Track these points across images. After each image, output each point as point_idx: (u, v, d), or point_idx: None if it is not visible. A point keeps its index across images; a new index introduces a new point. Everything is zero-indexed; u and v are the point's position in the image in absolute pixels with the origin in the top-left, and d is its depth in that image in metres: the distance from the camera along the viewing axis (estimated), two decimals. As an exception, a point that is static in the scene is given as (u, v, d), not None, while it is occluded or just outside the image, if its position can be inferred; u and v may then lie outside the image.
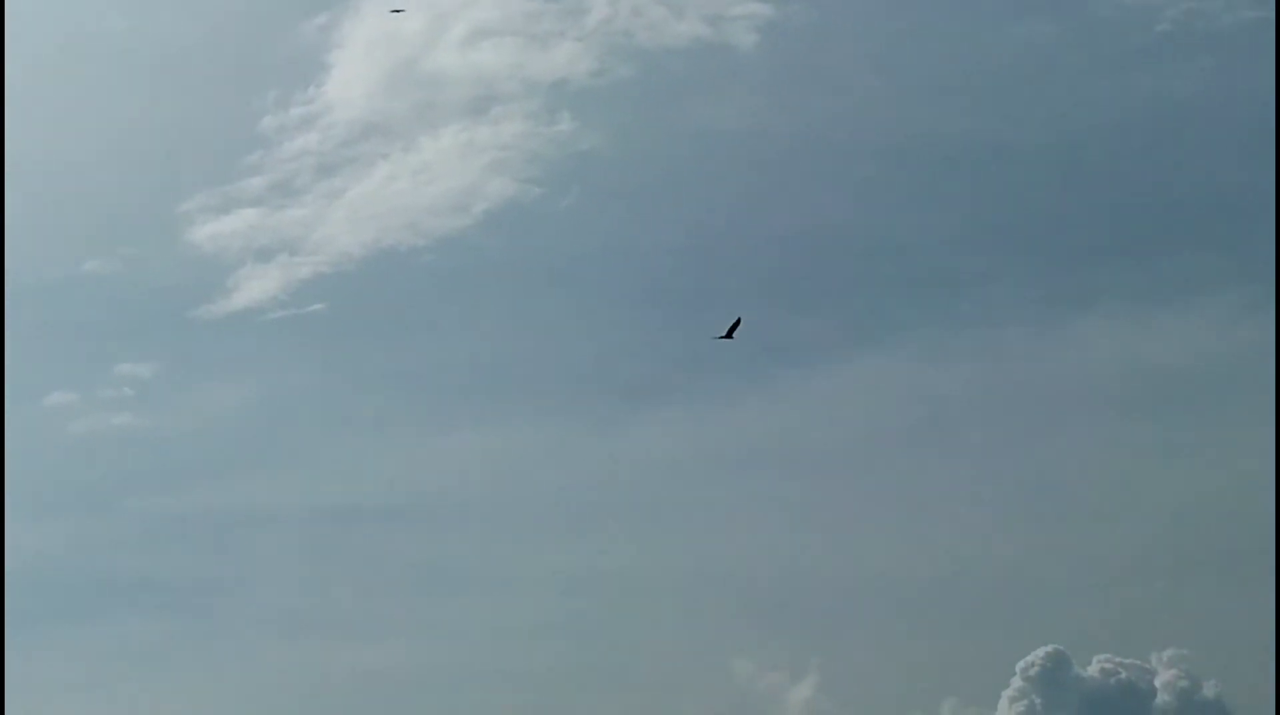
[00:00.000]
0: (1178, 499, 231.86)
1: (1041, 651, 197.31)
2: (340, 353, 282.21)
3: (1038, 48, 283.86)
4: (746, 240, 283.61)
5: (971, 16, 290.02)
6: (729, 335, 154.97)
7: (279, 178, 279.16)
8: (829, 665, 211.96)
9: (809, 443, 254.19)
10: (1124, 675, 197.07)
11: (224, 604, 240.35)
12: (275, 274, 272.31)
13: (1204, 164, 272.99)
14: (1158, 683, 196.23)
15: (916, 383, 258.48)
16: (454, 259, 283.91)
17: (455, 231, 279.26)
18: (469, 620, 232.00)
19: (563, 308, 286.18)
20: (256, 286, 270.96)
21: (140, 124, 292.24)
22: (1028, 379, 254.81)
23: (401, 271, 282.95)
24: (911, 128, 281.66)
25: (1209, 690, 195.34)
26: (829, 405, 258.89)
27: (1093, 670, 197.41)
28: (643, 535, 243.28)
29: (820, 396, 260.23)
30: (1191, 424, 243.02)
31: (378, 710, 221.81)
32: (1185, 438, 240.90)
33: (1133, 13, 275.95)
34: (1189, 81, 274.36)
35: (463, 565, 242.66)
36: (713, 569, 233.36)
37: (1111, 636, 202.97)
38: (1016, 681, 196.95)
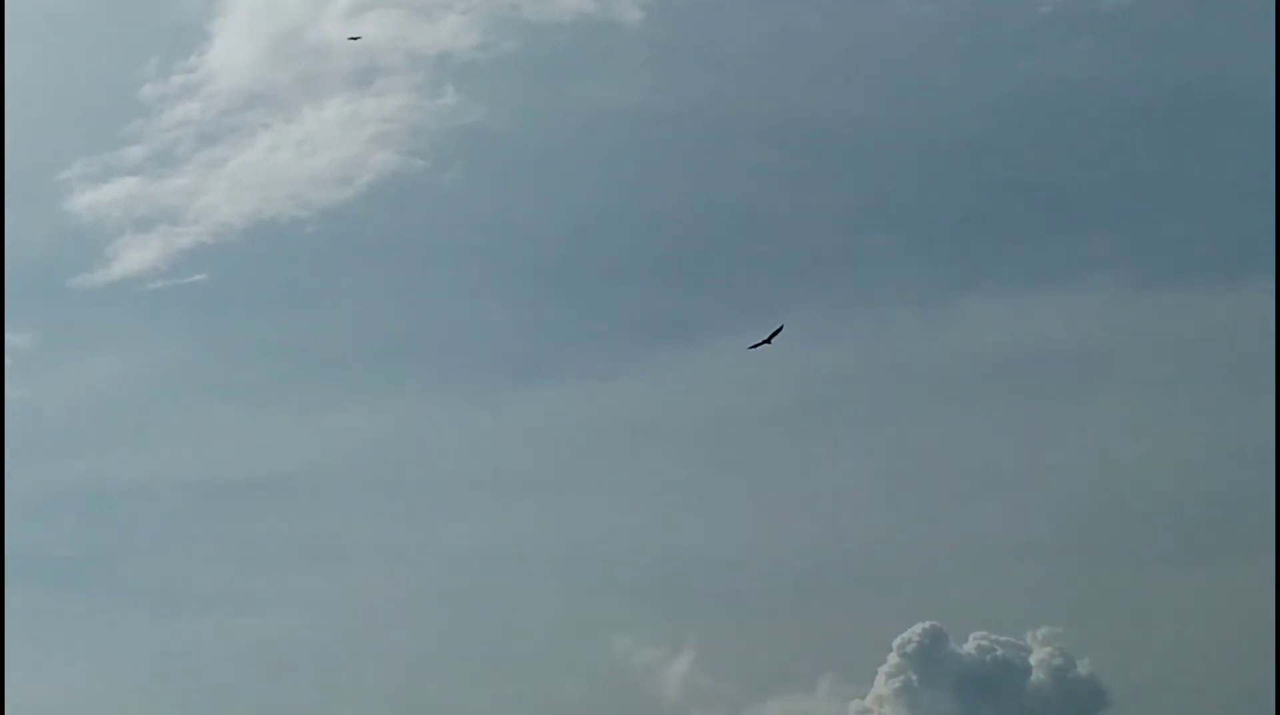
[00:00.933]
0: (1055, 480, 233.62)
1: (918, 628, 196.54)
2: (221, 324, 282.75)
3: (923, 29, 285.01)
4: (630, 218, 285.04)
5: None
6: (768, 341, 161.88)
7: (159, 147, 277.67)
8: (707, 641, 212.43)
9: (691, 420, 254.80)
10: (999, 652, 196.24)
11: (101, 577, 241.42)
12: (155, 244, 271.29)
13: (1086, 147, 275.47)
14: (1032, 660, 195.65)
15: (799, 362, 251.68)
16: (337, 231, 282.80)
17: (338, 204, 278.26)
18: (348, 596, 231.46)
19: (446, 283, 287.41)
20: (136, 256, 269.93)
21: (18, 90, 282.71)
22: (910, 359, 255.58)
23: (283, 243, 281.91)
24: (797, 108, 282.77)
25: (1082, 668, 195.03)
26: (711, 383, 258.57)
27: (969, 647, 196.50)
28: (523, 511, 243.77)
29: (702, 374, 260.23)
30: (1072, 406, 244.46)
31: (256, 685, 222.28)
32: (1065, 419, 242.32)
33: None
34: (1072, 64, 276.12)
35: (343, 540, 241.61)
36: (592, 545, 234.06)
37: (988, 614, 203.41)
38: (893, 658, 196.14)
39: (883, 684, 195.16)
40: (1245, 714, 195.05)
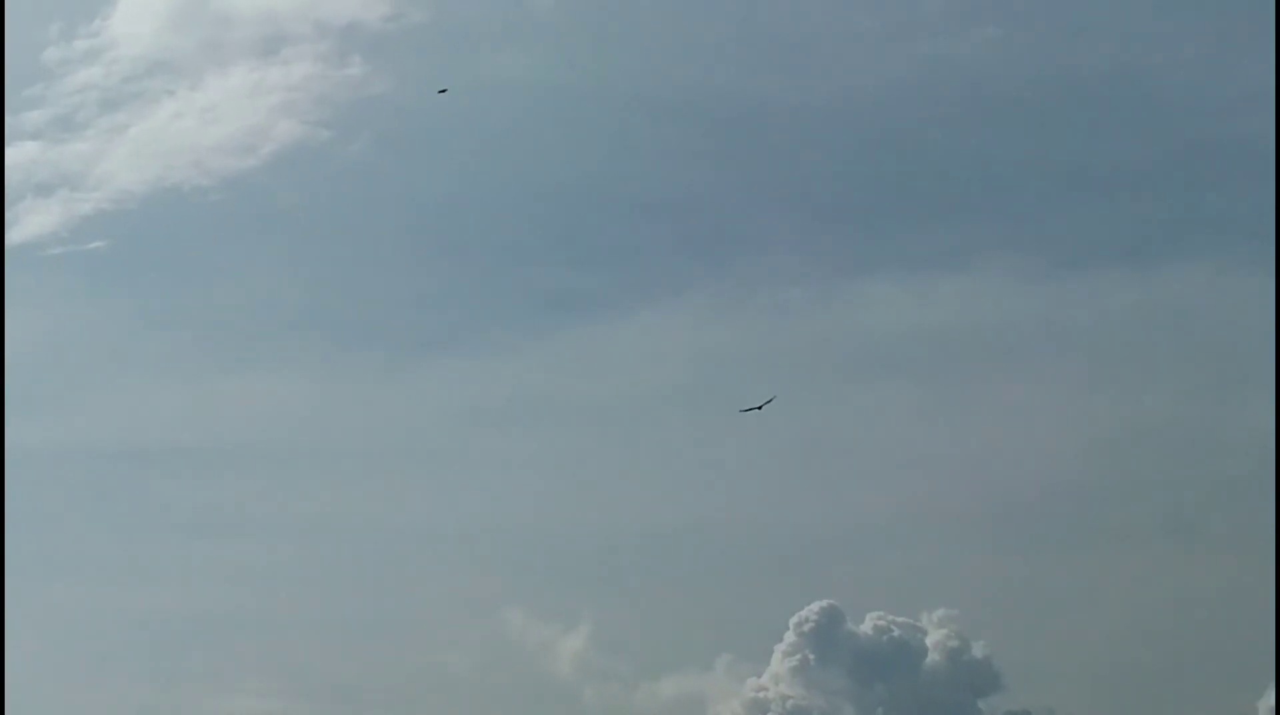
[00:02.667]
0: (951, 461, 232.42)
1: (815, 607, 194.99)
2: (121, 292, 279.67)
3: (829, 10, 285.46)
4: (534, 192, 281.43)
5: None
6: (759, 407, 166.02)
7: (61, 111, 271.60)
8: (602, 618, 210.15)
9: (588, 397, 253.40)
10: (896, 633, 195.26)
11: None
12: (55, 209, 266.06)
13: (986, 132, 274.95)
14: (929, 641, 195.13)
15: (695, 340, 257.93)
16: (240, 200, 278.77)
17: (242, 172, 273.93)
18: (240, 566, 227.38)
19: (348, 255, 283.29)
20: (36, 221, 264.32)
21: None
22: (808, 340, 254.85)
23: (185, 211, 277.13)
24: (701, 86, 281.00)
25: (977, 650, 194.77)
26: (608, 360, 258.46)
27: (866, 627, 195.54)
28: (419, 486, 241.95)
29: (600, 351, 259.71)
30: (965, 387, 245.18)
31: (146, 653, 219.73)
32: (959, 401, 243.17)
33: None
34: (973, 49, 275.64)
35: (236, 511, 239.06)
36: (487, 520, 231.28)
37: (885, 595, 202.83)
38: (790, 636, 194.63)
39: (779, 663, 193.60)
40: (1135, 693, 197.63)
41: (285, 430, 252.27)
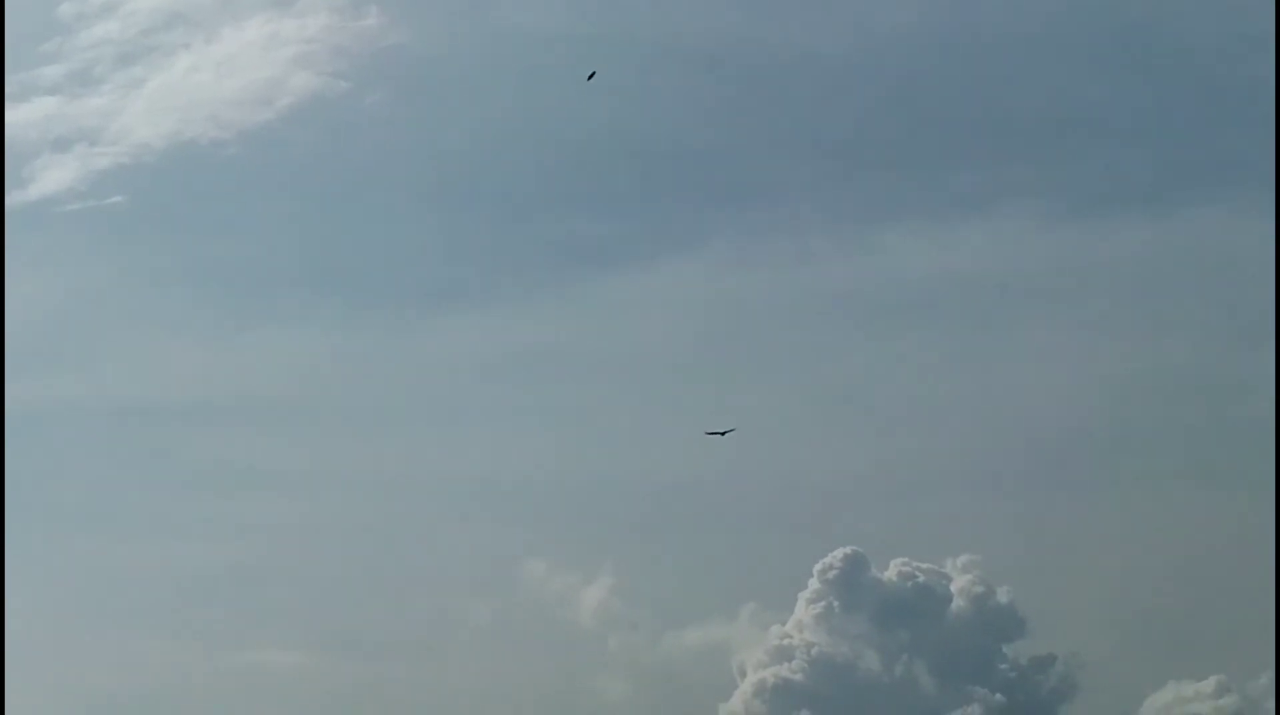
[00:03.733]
0: (974, 407, 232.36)
1: (840, 553, 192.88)
2: (139, 246, 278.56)
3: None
4: (551, 142, 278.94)
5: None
6: (721, 434, 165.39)
7: (77, 66, 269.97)
8: (625, 568, 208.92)
9: (607, 347, 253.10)
10: (921, 579, 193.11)
11: (18, 501, 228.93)
12: (73, 164, 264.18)
13: (1004, 77, 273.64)
14: (953, 587, 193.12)
15: (714, 290, 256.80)
16: (256, 153, 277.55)
17: (258, 125, 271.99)
18: (260, 520, 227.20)
19: (366, 207, 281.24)
20: (53, 177, 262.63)
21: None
22: (830, 288, 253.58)
23: (202, 165, 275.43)
24: (720, 35, 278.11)
25: (1002, 595, 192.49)
26: (629, 310, 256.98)
27: (890, 573, 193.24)
28: (442, 437, 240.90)
29: (621, 301, 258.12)
30: (987, 333, 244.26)
31: (168, 608, 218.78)
32: (981, 346, 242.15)
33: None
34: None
35: (256, 466, 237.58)
36: (509, 471, 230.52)
37: (909, 541, 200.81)
38: (814, 584, 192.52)
39: (804, 610, 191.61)
40: (1158, 636, 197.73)
41: (303, 384, 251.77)
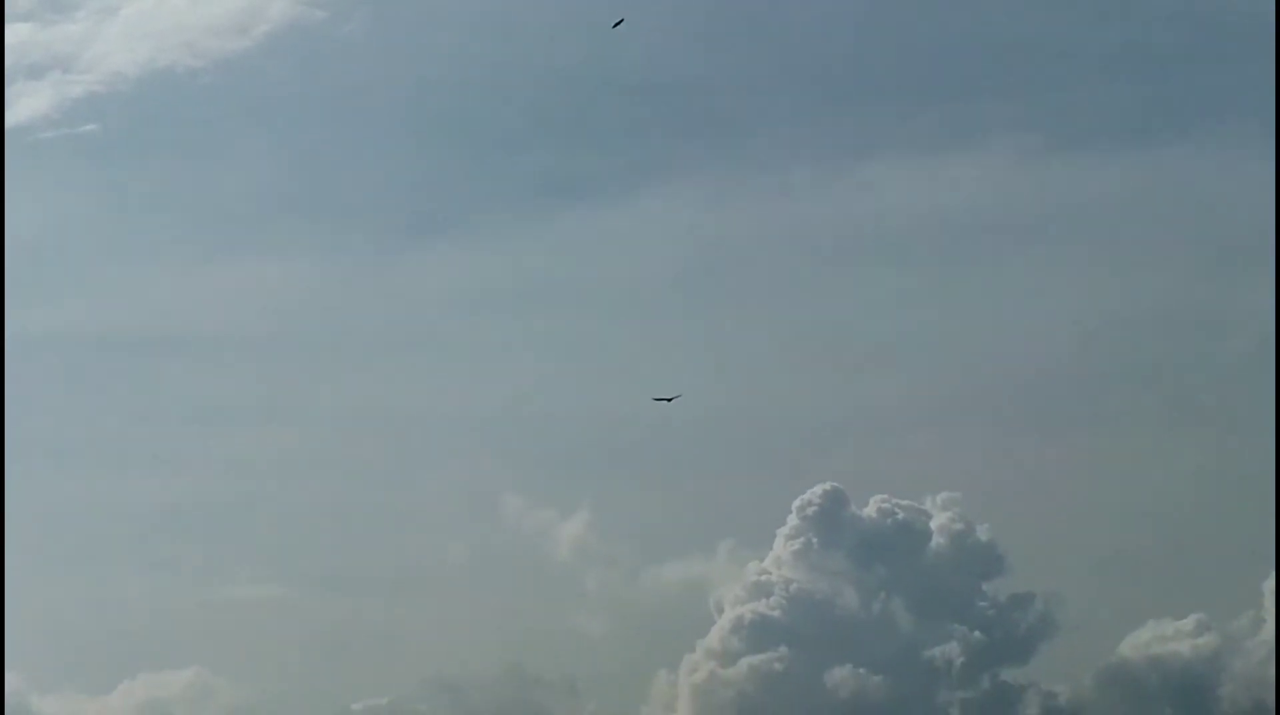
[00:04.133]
0: (955, 345, 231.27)
1: (819, 490, 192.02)
2: (113, 175, 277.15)
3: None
4: (532, 74, 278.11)
5: None
6: (668, 400, 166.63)
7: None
8: (602, 504, 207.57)
9: (586, 281, 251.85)
10: (900, 516, 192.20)
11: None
12: (47, 92, 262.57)
13: (992, 8, 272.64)
14: (933, 525, 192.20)
15: (696, 224, 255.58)
16: (233, 82, 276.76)
17: (235, 54, 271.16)
18: (237, 454, 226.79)
19: (343, 137, 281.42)
20: (27, 104, 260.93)
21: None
22: (811, 224, 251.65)
23: (178, 93, 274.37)
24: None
25: (981, 533, 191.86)
26: (607, 244, 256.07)
27: (870, 511, 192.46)
28: (415, 371, 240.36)
29: (599, 235, 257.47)
30: (969, 270, 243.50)
31: (147, 541, 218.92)
32: (963, 284, 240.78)
33: None
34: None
35: (233, 399, 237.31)
36: (484, 406, 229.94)
37: (888, 478, 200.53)
38: (793, 520, 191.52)
39: (782, 546, 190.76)
40: (1139, 576, 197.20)
41: (280, 316, 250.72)
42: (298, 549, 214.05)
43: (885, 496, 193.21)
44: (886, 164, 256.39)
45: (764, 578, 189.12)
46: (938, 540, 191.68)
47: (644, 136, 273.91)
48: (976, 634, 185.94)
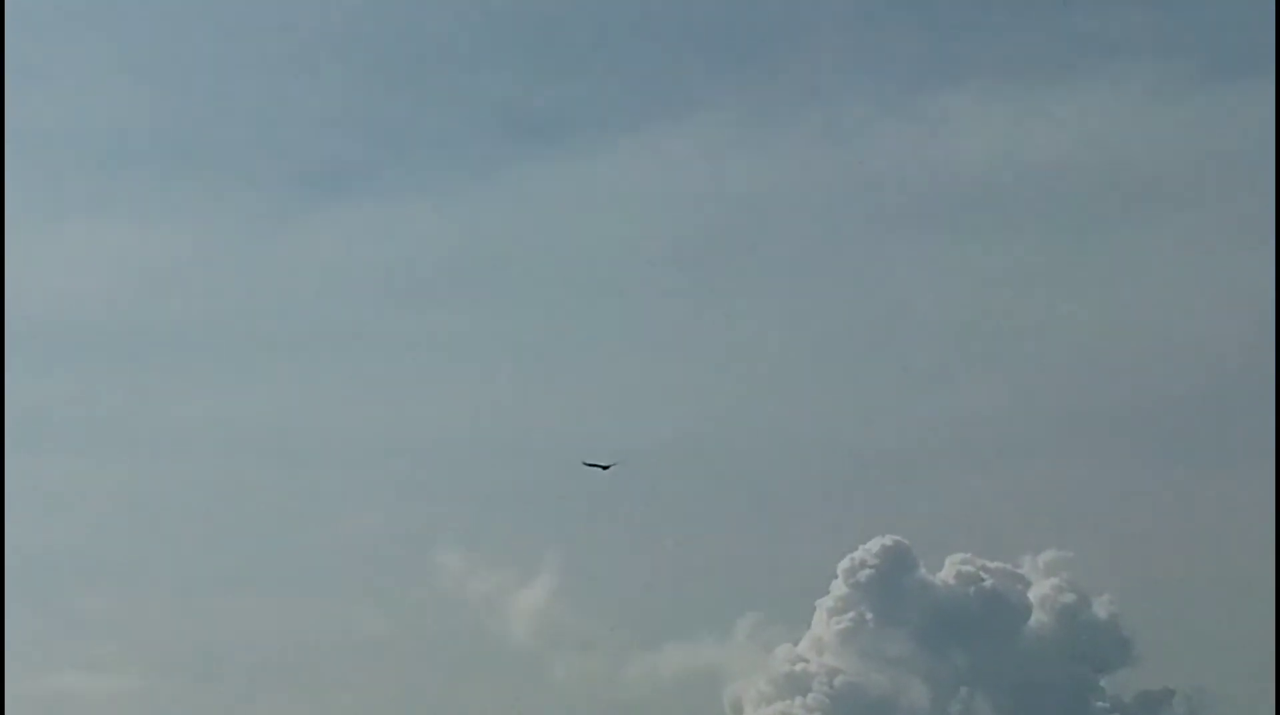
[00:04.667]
0: (1064, 343, 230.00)
1: (875, 546, 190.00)
2: None
3: None
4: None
5: None
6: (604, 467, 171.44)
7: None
8: (572, 564, 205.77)
9: (559, 254, 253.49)
10: (988, 583, 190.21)
11: None
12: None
13: None
14: (1033, 596, 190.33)
15: (707, 177, 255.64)
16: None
17: None
18: (78, 491, 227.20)
19: (249, 63, 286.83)
20: None
21: None
22: (868, 175, 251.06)
23: (47, 13, 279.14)
24: None
25: (1099, 608, 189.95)
26: (588, 204, 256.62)
27: (945, 575, 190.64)
28: (324, 375, 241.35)
29: (577, 192, 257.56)
30: (1082, 241, 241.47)
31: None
32: (1077, 259, 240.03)
33: None
34: None
35: (69, 412, 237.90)
36: (416, 425, 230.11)
37: (972, 530, 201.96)
38: (839, 588, 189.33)
39: (824, 624, 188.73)
40: None
41: (138, 297, 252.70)
42: (149, 623, 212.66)
43: (967, 556, 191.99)
44: (964, 98, 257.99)
45: (799, 667, 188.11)
46: (1039, 616, 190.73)
47: (642, 62, 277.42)
48: None
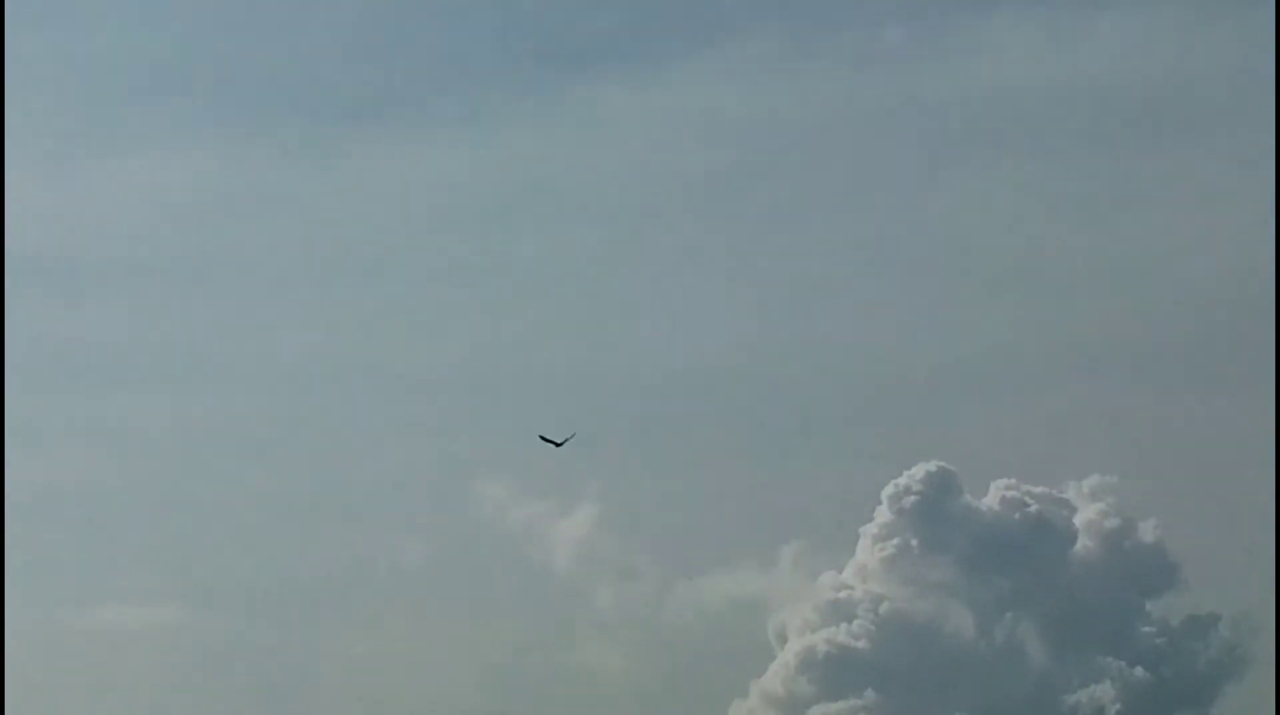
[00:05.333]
0: (1114, 266, 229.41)
1: (920, 472, 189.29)
2: None
3: None
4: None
5: None
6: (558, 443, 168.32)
7: None
8: (614, 493, 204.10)
9: (597, 185, 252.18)
10: (1033, 509, 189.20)
11: None
12: None
13: None
14: (1078, 521, 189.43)
15: (754, 103, 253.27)
16: None
17: None
18: (123, 423, 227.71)
19: None
20: None
21: None
22: (909, 99, 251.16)
23: None
24: None
25: (1145, 533, 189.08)
26: (626, 134, 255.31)
27: (990, 501, 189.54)
28: (360, 309, 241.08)
29: (615, 122, 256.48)
30: (1125, 166, 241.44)
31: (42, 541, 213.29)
32: (1117, 185, 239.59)
33: None
34: None
35: (119, 346, 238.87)
36: (453, 352, 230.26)
37: (1016, 455, 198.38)
38: (883, 514, 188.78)
39: (869, 551, 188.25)
40: None
41: (165, 234, 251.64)
42: (197, 556, 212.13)
43: (1012, 482, 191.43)
44: (1009, 18, 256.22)
45: (844, 595, 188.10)
46: (1085, 542, 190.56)
47: None
48: (1138, 671, 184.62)
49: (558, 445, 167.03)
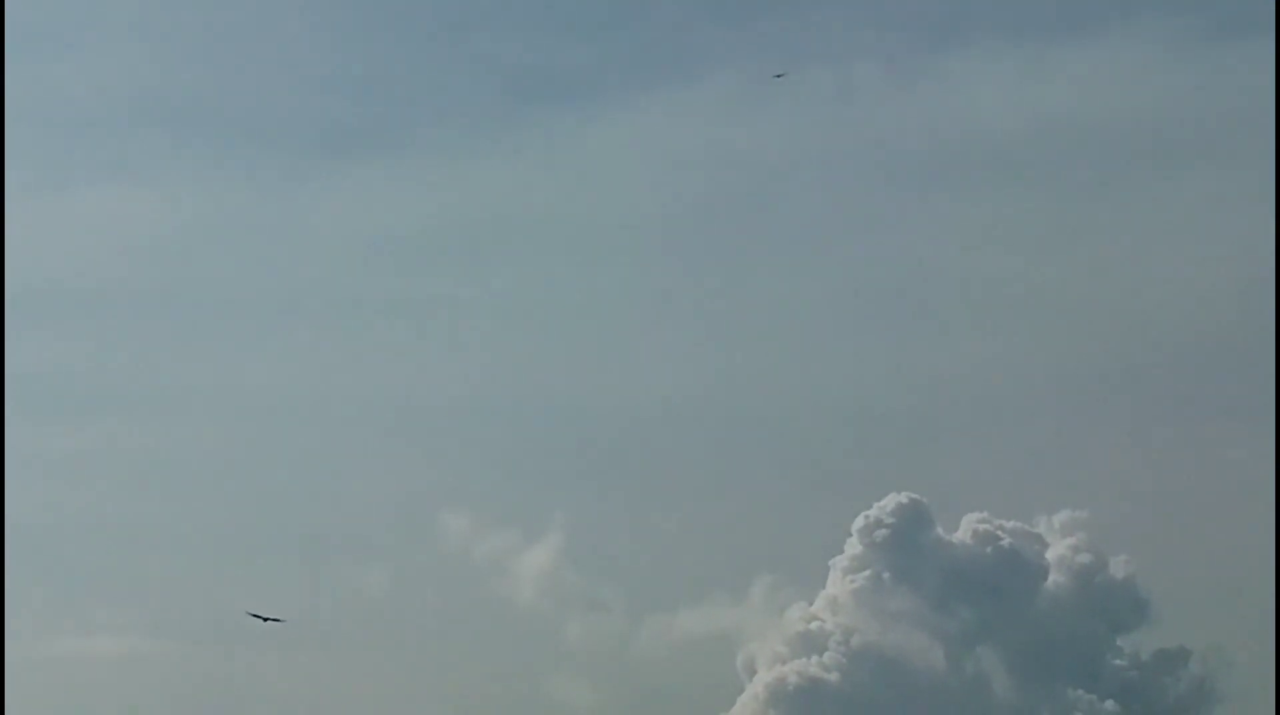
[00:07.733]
0: (1081, 300, 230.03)
1: (890, 504, 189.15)
2: None
3: None
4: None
5: None
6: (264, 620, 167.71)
7: None
8: (580, 524, 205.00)
9: (567, 217, 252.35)
10: (1005, 543, 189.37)
11: None
12: None
13: None
14: (1049, 556, 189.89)
15: (719, 139, 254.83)
16: None
17: None
18: (89, 453, 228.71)
19: (254, 24, 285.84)
20: None
21: None
22: (877, 136, 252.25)
23: None
24: None
25: (1116, 568, 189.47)
26: (597, 166, 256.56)
27: (962, 534, 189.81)
28: (332, 339, 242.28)
29: (587, 154, 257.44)
30: (1097, 199, 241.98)
31: None
32: (1089, 217, 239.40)
33: None
34: None
35: (87, 378, 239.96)
36: (422, 388, 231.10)
37: (988, 489, 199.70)
38: (854, 547, 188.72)
39: (839, 584, 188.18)
40: None
41: (140, 265, 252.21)
42: (158, 586, 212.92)
43: (983, 516, 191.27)
44: (977, 56, 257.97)
45: (814, 626, 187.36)
46: (1056, 577, 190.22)
47: (649, 19, 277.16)
48: (1108, 705, 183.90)
49: (264, 621, 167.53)
